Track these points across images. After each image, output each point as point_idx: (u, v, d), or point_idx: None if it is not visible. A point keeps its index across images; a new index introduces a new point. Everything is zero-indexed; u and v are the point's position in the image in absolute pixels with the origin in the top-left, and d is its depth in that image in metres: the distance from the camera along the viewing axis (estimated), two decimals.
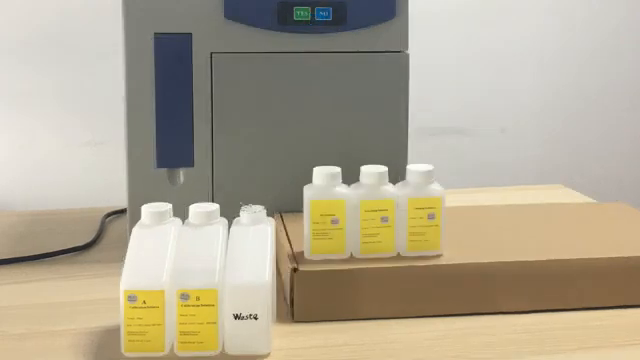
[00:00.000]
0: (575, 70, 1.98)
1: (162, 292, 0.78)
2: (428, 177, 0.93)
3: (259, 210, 0.86)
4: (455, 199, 1.15)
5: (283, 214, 1.11)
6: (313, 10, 1.10)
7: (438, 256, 0.94)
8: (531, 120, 1.97)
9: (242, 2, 1.09)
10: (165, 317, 0.78)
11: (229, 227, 0.85)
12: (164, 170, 1.11)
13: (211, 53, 1.10)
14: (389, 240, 0.93)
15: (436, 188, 0.94)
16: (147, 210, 0.84)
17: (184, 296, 0.78)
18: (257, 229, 0.84)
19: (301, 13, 1.10)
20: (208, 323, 0.78)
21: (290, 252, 0.95)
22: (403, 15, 1.13)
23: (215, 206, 0.85)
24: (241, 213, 0.86)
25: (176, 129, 1.10)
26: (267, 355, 0.81)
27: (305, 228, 0.92)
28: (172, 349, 0.80)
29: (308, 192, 0.92)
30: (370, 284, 0.90)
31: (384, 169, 0.93)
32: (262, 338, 0.80)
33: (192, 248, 0.81)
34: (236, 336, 0.79)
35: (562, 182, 1.56)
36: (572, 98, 1.99)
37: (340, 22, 1.11)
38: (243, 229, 0.84)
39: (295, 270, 0.90)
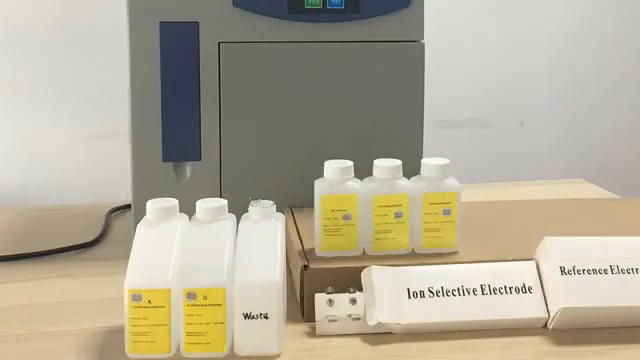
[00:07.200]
0: (598, 55, 1.91)
1: (168, 291, 0.77)
2: (444, 171, 0.93)
3: (269, 205, 0.85)
4: (471, 194, 1.13)
5: (293, 209, 1.10)
6: None
7: (454, 253, 0.93)
8: (551, 113, 1.93)
9: None
10: (171, 317, 0.77)
11: (238, 223, 0.84)
12: (170, 164, 1.10)
13: (219, 43, 1.08)
14: (403, 236, 0.92)
15: (452, 183, 0.93)
16: (152, 206, 0.83)
17: (191, 295, 0.77)
18: (267, 225, 0.83)
19: (312, 1, 1.08)
20: (215, 323, 0.77)
21: (300, 249, 0.94)
22: (418, 3, 1.11)
23: (223, 201, 0.85)
24: (250, 208, 0.85)
25: (183, 121, 1.09)
26: (278, 355, 0.80)
27: (316, 224, 0.92)
28: (178, 350, 0.78)
29: (319, 186, 0.91)
30: None
31: (398, 163, 0.92)
32: (273, 338, 0.79)
33: (199, 245, 0.81)
34: (246, 336, 0.78)
35: (583, 176, 1.54)
36: (590, 92, 1.95)
37: (353, 10, 1.09)
38: (252, 225, 0.83)
39: (305, 267, 0.89)
